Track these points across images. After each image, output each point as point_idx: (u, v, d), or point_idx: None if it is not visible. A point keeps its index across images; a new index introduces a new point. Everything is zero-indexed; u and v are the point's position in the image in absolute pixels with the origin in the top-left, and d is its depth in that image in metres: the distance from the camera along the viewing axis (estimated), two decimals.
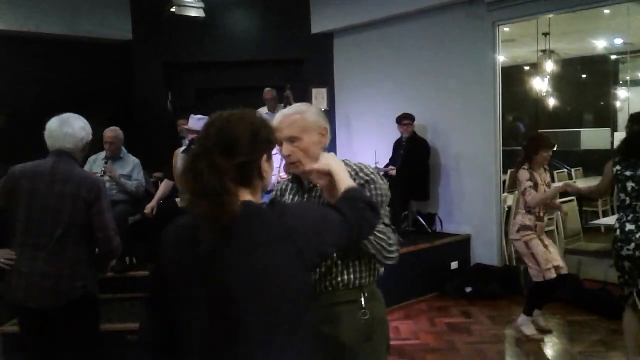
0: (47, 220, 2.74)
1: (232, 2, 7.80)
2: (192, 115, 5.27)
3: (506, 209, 6.36)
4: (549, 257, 4.46)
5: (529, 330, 4.66)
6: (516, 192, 4.83)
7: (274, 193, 2.21)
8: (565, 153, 9.84)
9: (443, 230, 6.62)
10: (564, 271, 4.50)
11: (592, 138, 10.90)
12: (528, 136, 4.90)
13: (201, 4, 6.83)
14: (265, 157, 1.57)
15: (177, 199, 5.37)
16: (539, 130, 10.51)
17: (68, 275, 2.76)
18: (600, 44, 9.58)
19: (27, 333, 2.86)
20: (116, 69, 8.04)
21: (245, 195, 1.52)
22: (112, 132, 5.31)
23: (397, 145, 6.76)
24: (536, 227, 4.53)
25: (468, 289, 5.75)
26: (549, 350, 4.49)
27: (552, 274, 4.41)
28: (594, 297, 5.21)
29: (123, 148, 5.42)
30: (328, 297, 1.97)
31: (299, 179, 2.11)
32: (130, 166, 5.35)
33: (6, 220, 2.79)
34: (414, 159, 6.52)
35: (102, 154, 5.30)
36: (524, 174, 4.52)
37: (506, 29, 6.80)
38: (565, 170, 8.99)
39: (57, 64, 7.49)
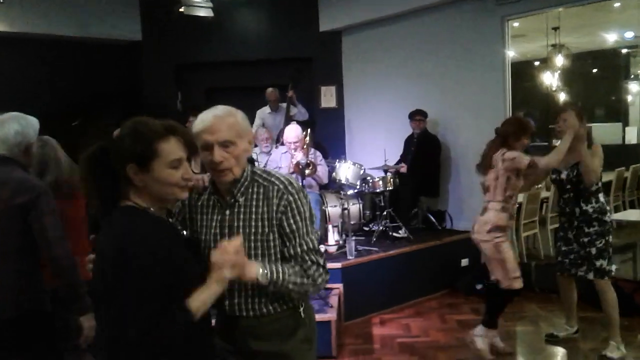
0: None
1: (241, 2, 7.82)
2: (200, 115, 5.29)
3: (517, 205, 6.32)
4: (516, 265, 4.05)
5: (482, 344, 4.15)
6: (493, 179, 4.02)
7: (178, 205, 2.03)
8: None
9: (453, 227, 6.61)
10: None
11: (604, 133, 10.83)
12: (507, 120, 4.29)
13: (210, 4, 6.85)
14: (132, 165, 1.64)
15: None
16: (550, 126, 10.49)
17: (10, 288, 2.51)
18: (611, 38, 9.51)
19: None
20: (126, 69, 8.09)
21: (134, 199, 1.69)
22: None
23: (409, 141, 6.75)
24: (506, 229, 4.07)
25: (479, 286, 5.73)
26: (560, 347, 4.46)
27: (519, 284, 4.02)
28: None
29: None
30: (271, 318, 1.95)
31: (221, 192, 1.95)
32: None
33: None
34: (425, 156, 6.51)
35: None
36: (512, 153, 3.92)
37: (516, 24, 6.77)
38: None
39: (68, 65, 7.56)
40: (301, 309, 1.99)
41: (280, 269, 1.83)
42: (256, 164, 5.95)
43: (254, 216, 1.90)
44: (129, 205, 1.68)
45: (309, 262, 1.90)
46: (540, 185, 6.83)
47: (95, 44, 7.76)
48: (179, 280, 1.63)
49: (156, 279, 1.56)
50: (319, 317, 4.31)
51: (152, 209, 1.70)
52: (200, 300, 1.64)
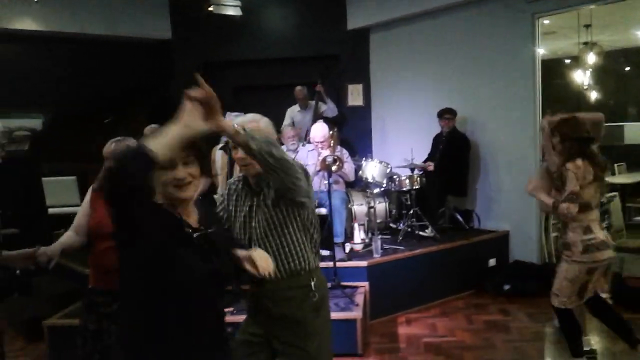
0: None
1: (269, 0, 7.86)
2: (228, 113, 5.34)
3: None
4: None
5: None
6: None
7: (225, 189, 2.52)
8: (608, 148, 9.59)
9: (481, 227, 6.55)
10: None
11: (637, 132, 10.60)
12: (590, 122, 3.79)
13: (238, 3, 6.91)
14: None
15: (215, 196, 5.46)
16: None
17: None
18: None
19: None
20: (156, 68, 8.19)
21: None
22: (152, 130, 5.45)
23: (437, 140, 6.70)
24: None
25: (506, 287, 5.68)
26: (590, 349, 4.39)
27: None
28: (636, 295, 5.08)
29: None
30: (286, 282, 2.32)
31: (250, 184, 2.38)
32: None
33: None
34: (453, 154, 6.45)
35: None
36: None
37: (546, 21, 6.66)
38: None
39: (99, 64, 7.69)
40: (312, 282, 2.35)
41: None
42: None
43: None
44: None
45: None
46: None
47: (126, 43, 7.88)
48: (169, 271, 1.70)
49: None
50: (344, 315, 4.34)
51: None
52: (165, 138, 1.60)
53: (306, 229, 2.35)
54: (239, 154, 2.25)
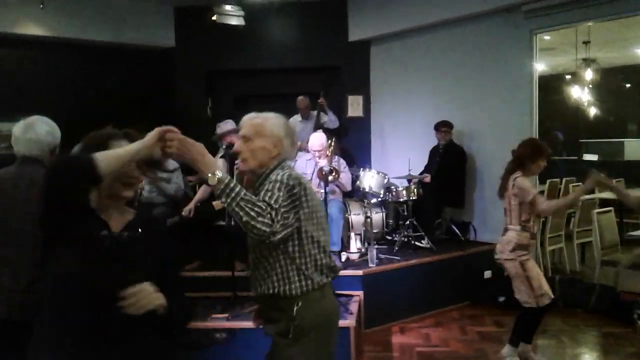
0: (14, 230, 2.52)
1: (271, 11, 7.95)
2: (218, 124, 5.51)
3: (542, 218, 6.28)
4: (543, 282, 4.05)
5: None
6: (507, 203, 4.09)
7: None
8: (607, 164, 9.65)
9: (477, 239, 6.59)
10: (551, 297, 4.08)
11: (637, 148, 10.66)
12: (523, 142, 4.18)
13: (242, 13, 6.99)
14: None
15: (214, 202, 5.52)
16: (580, 140, 10.39)
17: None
18: None
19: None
20: (159, 75, 8.27)
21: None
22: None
23: (434, 152, 6.77)
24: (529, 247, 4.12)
25: (501, 299, 5.71)
26: None
27: (546, 300, 4.00)
28: (631, 310, 5.11)
29: None
30: (267, 302, 2.26)
31: (246, 187, 2.22)
32: (171, 170, 5.52)
33: None
34: (450, 167, 6.53)
35: None
36: (524, 181, 3.99)
37: (546, 37, 6.75)
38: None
39: (102, 70, 7.77)
40: (295, 307, 2.16)
41: (238, 187, 1.97)
42: None
43: None
44: None
45: (266, 204, 2.04)
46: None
47: (130, 50, 7.97)
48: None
49: None
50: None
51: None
52: (116, 152, 1.74)
53: (289, 256, 2.17)
54: (236, 146, 2.28)
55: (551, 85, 10.01)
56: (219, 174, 1.92)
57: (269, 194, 2.07)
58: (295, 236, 2.16)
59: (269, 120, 2.26)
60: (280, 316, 2.20)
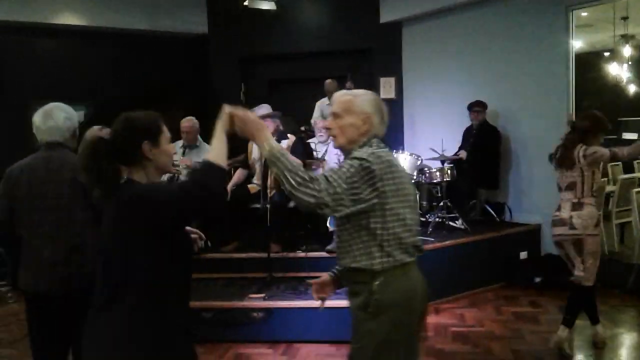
0: (51, 207, 2.73)
1: None
2: (253, 108, 5.53)
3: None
4: None
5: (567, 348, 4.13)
6: (578, 175, 3.95)
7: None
8: None
9: (512, 220, 6.55)
10: None
11: None
12: (585, 115, 4.11)
13: None
14: (146, 142, 1.93)
15: (250, 186, 5.63)
16: (619, 118, 10.13)
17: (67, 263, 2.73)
18: None
19: (45, 320, 2.81)
20: (193, 62, 8.40)
21: (130, 173, 1.94)
22: (188, 122, 5.68)
23: (467, 133, 6.72)
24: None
25: (537, 279, 5.68)
26: (619, 342, 4.39)
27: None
28: None
29: (199, 137, 5.74)
30: (349, 275, 2.28)
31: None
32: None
33: (20, 218, 2.79)
34: (484, 147, 6.47)
35: (180, 143, 5.64)
36: (592, 147, 3.89)
37: (584, 13, 6.59)
38: None
39: (137, 58, 7.94)
40: (376, 282, 2.18)
41: (286, 157, 2.05)
42: (314, 153, 6.10)
43: None
44: (129, 179, 1.94)
45: (309, 176, 2.06)
46: (604, 179, 6.67)
47: (164, 37, 8.11)
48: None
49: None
50: None
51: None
52: (215, 150, 1.96)
53: (371, 232, 2.16)
54: (326, 123, 2.38)
55: (588, 63, 9.77)
56: (269, 145, 2.04)
57: (337, 168, 2.13)
58: (378, 213, 2.14)
59: (358, 97, 2.28)
60: (361, 289, 2.21)
